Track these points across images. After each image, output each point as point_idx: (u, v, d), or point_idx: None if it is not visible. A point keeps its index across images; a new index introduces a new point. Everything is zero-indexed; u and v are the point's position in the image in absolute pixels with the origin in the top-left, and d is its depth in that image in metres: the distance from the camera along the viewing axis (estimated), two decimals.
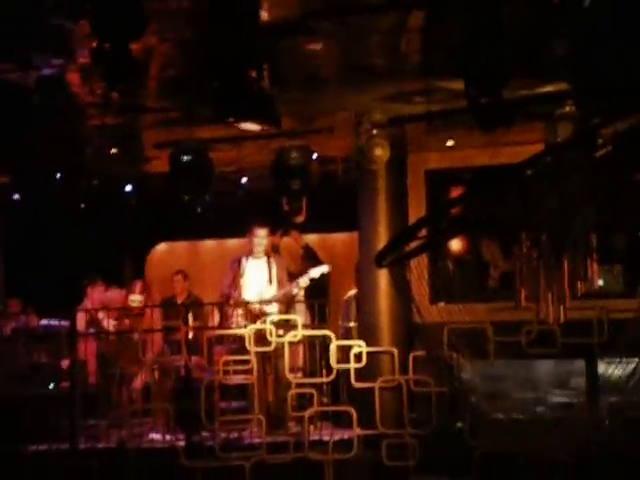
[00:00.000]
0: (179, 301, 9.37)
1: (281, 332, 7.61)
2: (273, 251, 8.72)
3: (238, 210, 10.27)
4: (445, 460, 7.14)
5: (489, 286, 8.67)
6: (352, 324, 8.51)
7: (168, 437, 7.68)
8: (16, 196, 10.17)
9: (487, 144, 7.82)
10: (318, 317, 7.96)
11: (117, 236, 10.92)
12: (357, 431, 7.43)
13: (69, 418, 7.70)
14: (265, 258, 8.21)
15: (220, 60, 5.74)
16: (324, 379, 7.72)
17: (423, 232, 6.73)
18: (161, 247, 11.83)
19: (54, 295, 9.02)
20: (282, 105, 6.24)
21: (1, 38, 6.02)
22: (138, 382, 8.16)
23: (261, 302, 7.96)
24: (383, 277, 8.03)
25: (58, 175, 9.57)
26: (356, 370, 7.61)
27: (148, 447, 7.59)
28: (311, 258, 9.44)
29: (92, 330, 8.61)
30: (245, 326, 7.71)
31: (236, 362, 7.64)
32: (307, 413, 7.45)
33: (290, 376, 7.62)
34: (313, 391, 7.54)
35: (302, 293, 8.19)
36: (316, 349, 7.85)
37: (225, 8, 5.64)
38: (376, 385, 7.59)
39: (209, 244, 11.79)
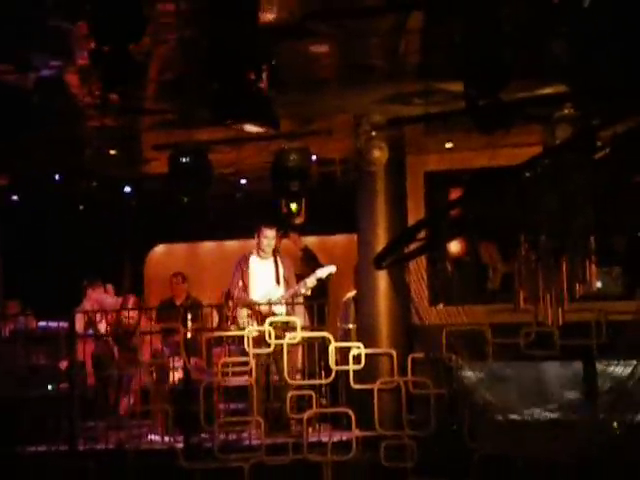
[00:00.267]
0: (178, 303, 9.36)
1: (286, 334, 7.60)
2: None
3: (237, 212, 10.29)
4: (444, 462, 7.13)
5: (488, 288, 8.67)
6: (351, 326, 8.51)
7: (167, 439, 7.67)
8: (15, 197, 10.17)
9: (486, 146, 7.81)
10: (317, 319, 7.95)
11: (116, 237, 10.93)
12: (356, 433, 7.42)
13: (68, 419, 7.69)
14: (273, 258, 8.23)
15: (219, 62, 5.74)
16: (323, 381, 7.71)
17: (422, 234, 6.75)
18: (160, 249, 11.84)
19: (53, 297, 9.02)
20: (281, 107, 6.24)
21: (0, 39, 6.01)
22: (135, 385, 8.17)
23: (269, 303, 7.97)
24: (382, 279, 8.03)
25: (57, 176, 9.58)
26: (355, 372, 7.60)
27: (147, 448, 7.57)
28: (310, 260, 9.44)
29: (90, 332, 8.62)
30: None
31: (235, 364, 7.65)
32: (306, 415, 7.45)
33: (289, 378, 7.62)
34: (312, 393, 7.53)
35: (309, 293, 8.19)
36: (315, 351, 7.85)
37: (224, 10, 5.64)
38: (375, 387, 7.59)
39: (208, 246, 11.79)
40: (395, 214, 8.27)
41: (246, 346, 7.52)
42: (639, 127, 5.41)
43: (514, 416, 7.12)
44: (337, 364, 7.62)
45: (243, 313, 8.04)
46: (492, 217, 6.30)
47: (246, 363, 7.53)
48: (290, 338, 7.61)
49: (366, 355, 7.67)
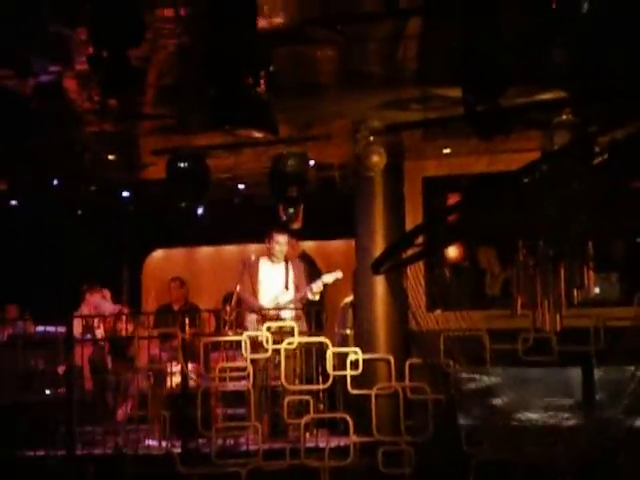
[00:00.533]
0: (176, 308, 9.36)
1: (291, 339, 7.60)
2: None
3: (235, 217, 10.29)
4: (442, 468, 7.13)
5: (486, 294, 8.67)
6: (348, 331, 8.51)
7: (164, 444, 7.66)
8: (14, 202, 10.17)
9: (484, 151, 7.82)
10: (315, 324, 7.95)
11: (114, 242, 10.93)
12: (353, 438, 7.42)
13: (66, 424, 7.69)
14: (284, 263, 8.25)
15: (217, 67, 5.74)
16: (320, 386, 7.71)
17: (420, 239, 6.73)
18: (158, 253, 11.83)
19: (51, 301, 9.02)
20: (279, 112, 6.24)
21: None
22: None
23: (276, 308, 7.99)
24: (380, 284, 8.03)
25: (56, 181, 9.57)
26: (353, 377, 7.60)
27: (144, 454, 7.57)
28: (308, 265, 9.44)
29: (88, 336, 8.62)
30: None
31: (233, 369, 7.65)
32: (303, 420, 7.44)
33: (287, 383, 7.61)
34: (309, 398, 7.52)
35: (317, 298, 8.20)
36: (312, 356, 7.84)
37: (223, 15, 5.64)
38: (372, 392, 7.59)
39: (206, 251, 11.79)
40: (393, 219, 8.27)
41: (243, 351, 7.52)
42: (638, 133, 5.41)
43: (513, 422, 7.11)
44: (335, 369, 7.62)
45: (252, 318, 8.06)
46: (490, 222, 6.29)
47: (244, 368, 7.53)
48: (288, 343, 7.61)
49: (364, 360, 7.67)
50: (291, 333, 7.65)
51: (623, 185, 5.87)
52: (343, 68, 7.04)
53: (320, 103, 7.71)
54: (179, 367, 7.85)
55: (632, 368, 6.79)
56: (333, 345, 7.78)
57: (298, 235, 9.72)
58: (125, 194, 10.29)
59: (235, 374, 7.64)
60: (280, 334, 7.70)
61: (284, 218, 9.01)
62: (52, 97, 7.02)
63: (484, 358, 7.31)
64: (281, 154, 8.64)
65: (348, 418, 7.49)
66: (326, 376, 7.63)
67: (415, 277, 8.07)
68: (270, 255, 8.25)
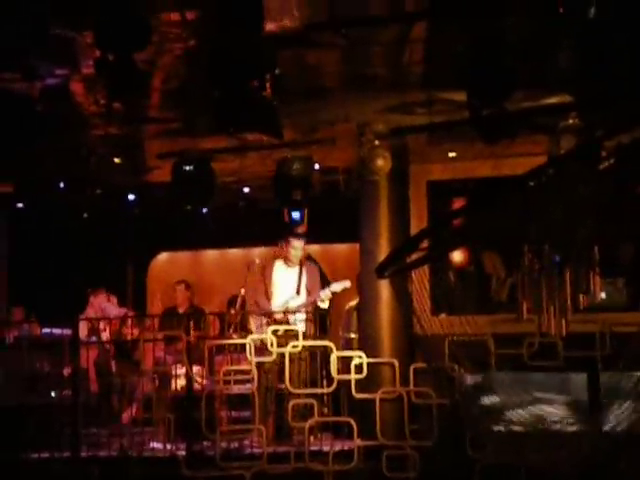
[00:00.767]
0: (181, 310, 9.37)
1: (295, 343, 7.60)
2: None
3: (240, 220, 10.30)
4: (446, 472, 7.12)
5: (491, 298, 8.66)
6: (353, 335, 8.50)
7: (169, 446, 7.67)
8: (20, 205, 10.19)
9: (489, 156, 7.82)
10: (319, 328, 7.95)
11: (119, 245, 10.94)
12: (358, 442, 7.41)
13: (71, 426, 7.70)
14: (298, 267, 8.28)
15: (223, 71, 5.75)
16: (325, 390, 7.71)
17: (425, 243, 6.72)
18: (163, 256, 11.85)
19: (57, 303, 9.04)
20: (284, 116, 6.25)
21: (6, 48, 6.03)
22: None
23: (285, 312, 8.00)
24: (384, 288, 8.02)
25: (62, 184, 9.59)
26: (357, 381, 7.59)
27: (149, 456, 7.58)
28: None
29: (93, 338, 8.63)
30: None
31: (237, 372, 7.66)
32: (308, 423, 7.44)
33: (291, 386, 7.61)
34: (314, 401, 7.52)
35: (327, 305, 8.21)
36: (317, 360, 7.84)
37: (229, 19, 5.65)
38: (377, 396, 7.58)
39: (211, 254, 11.80)
40: (398, 223, 8.27)
41: (248, 354, 7.53)
42: None
43: (516, 426, 7.10)
44: (339, 373, 7.61)
45: (258, 321, 8.09)
46: (495, 227, 6.28)
47: (248, 371, 7.54)
48: (292, 347, 7.61)
49: (368, 364, 7.66)
50: (296, 336, 7.65)
51: (629, 190, 5.86)
52: (348, 71, 7.05)
53: (325, 107, 7.72)
54: (184, 370, 7.86)
55: (638, 374, 6.77)
56: (337, 349, 7.77)
57: (303, 239, 9.72)
58: (130, 197, 10.31)
59: (240, 377, 7.63)
60: (285, 337, 7.71)
61: (289, 221, 9.02)
62: (58, 100, 7.03)
63: (489, 362, 7.30)
64: (286, 158, 8.65)
65: (352, 422, 7.48)
66: (330, 380, 7.62)
67: (420, 281, 8.05)
68: (286, 259, 8.29)
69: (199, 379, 7.85)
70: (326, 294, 8.06)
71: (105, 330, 8.68)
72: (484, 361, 7.28)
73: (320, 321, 7.98)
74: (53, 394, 8.25)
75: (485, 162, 8.14)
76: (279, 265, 8.34)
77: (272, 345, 7.54)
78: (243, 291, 8.33)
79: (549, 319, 5.67)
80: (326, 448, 7.46)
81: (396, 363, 7.76)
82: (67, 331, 8.07)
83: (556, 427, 7.04)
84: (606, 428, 6.84)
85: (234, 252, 11.25)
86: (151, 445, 7.85)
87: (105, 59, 5.53)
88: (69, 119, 7.58)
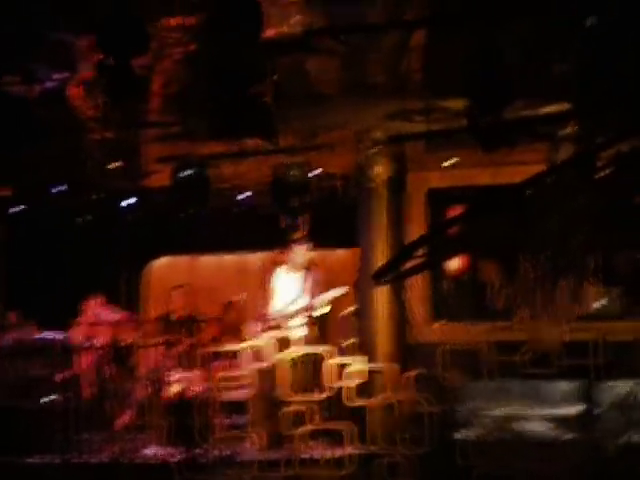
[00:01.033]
0: (177, 316, 9.34)
1: (291, 349, 7.59)
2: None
3: (238, 225, 10.29)
4: None
5: (487, 306, 8.64)
6: (349, 341, 8.48)
7: (162, 452, 7.64)
8: (18, 209, 10.17)
9: (488, 164, 7.82)
10: (315, 334, 7.94)
11: (117, 250, 10.91)
12: (351, 449, 7.38)
13: (62, 432, 7.67)
14: (300, 273, 8.27)
15: (222, 76, 5.75)
16: (318, 396, 7.68)
17: (422, 251, 6.72)
18: (161, 261, 11.81)
19: (54, 308, 9.01)
20: (283, 122, 6.24)
21: (5, 51, 6.03)
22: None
23: (282, 316, 7.99)
24: (382, 295, 8.01)
25: (59, 189, 9.58)
26: (351, 388, 7.56)
27: (141, 462, 7.55)
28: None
29: (88, 344, 8.60)
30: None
31: (232, 378, 7.64)
32: (299, 430, 7.41)
33: (285, 393, 7.59)
34: (311, 407, 7.50)
35: (326, 311, 8.20)
36: (312, 366, 7.82)
37: (228, 25, 5.65)
38: (371, 403, 7.55)
39: (209, 259, 11.77)
40: (395, 230, 8.26)
41: (243, 361, 7.51)
42: None
43: (512, 434, 7.09)
44: (334, 380, 7.58)
45: (255, 326, 8.08)
46: (493, 235, 6.29)
47: (244, 377, 7.52)
48: (289, 353, 7.60)
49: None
50: (293, 343, 7.64)
51: (627, 199, 5.86)
52: (347, 78, 7.05)
53: (324, 113, 7.72)
54: (178, 376, 7.84)
55: (631, 383, 6.76)
56: (333, 355, 7.75)
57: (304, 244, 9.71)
58: (128, 202, 10.29)
59: (234, 383, 7.61)
60: (281, 343, 7.69)
61: (286, 227, 9.01)
62: (56, 104, 7.03)
63: (484, 370, 7.29)
64: (284, 164, 8.64)
65: (346, 429, 7.46)
66: (325, 386, 7.60)
67: (417, 288, 8.07)
68: (288, 264, 8.28)
69: (193, 385, 7.82)
70: (320, 301, 8.03)
71: (100, 336, 8.64)
72: (480, 368, 7.27)
73: (319, 327, 7.96)
74: (44, 399, 8.21)
75: (484, 170, 8.14)
76: (282, 270, 8.34)
77: (268, 351, 7.52)
78: (243, 295, 8.32)
79: (544, 327, 5.67)
80: (319, 455, 7.43)
81: (391, 370, 7.73)
82: (59, 336, 8.04)
83: (551, 435, 7.04)
84: (600, 436, 6.84)
85: (232, 258, 11.22)
86: (144, 451, 7.82)
87: (105, 63, 5.53)
88: (66, 123, 7.58)
